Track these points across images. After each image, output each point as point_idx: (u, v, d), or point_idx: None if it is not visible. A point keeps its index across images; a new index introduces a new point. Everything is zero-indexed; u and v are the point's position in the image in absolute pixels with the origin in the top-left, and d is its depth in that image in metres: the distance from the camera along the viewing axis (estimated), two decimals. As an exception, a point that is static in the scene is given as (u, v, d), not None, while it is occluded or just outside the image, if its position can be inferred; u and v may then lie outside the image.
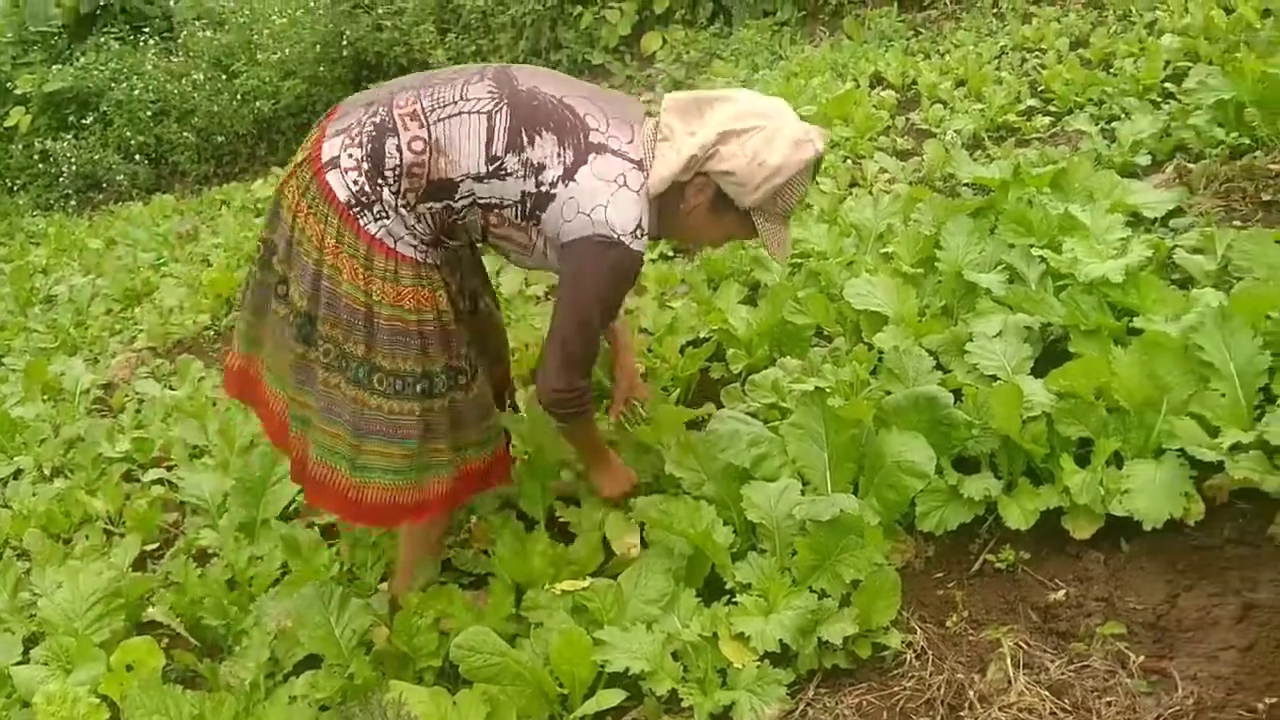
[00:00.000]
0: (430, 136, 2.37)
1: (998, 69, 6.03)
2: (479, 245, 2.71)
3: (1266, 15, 5.15)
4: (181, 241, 8.23)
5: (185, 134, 11.38)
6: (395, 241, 2.42)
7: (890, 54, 6.97)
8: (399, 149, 2.37)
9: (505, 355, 3.05)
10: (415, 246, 2.44)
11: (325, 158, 2.43)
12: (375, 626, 2.69)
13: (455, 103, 2.40)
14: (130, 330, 6.39)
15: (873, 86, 6.47)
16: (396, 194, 2.39)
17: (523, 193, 2.40)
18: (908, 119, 5.73)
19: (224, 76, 11.42)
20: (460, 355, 2.59)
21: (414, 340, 2.48)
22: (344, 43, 10.41)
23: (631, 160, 2.42)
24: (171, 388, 5.11)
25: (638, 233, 2.40)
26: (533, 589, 2.64)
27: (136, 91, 11.62)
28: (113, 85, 11.84)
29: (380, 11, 10.28)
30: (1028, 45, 6.38)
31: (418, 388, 2.52)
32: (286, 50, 10.87)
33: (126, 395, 5.17)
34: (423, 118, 2.39)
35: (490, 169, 2.38)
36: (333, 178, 2.40)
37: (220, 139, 11.37)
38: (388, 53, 10.15)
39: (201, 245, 7.87)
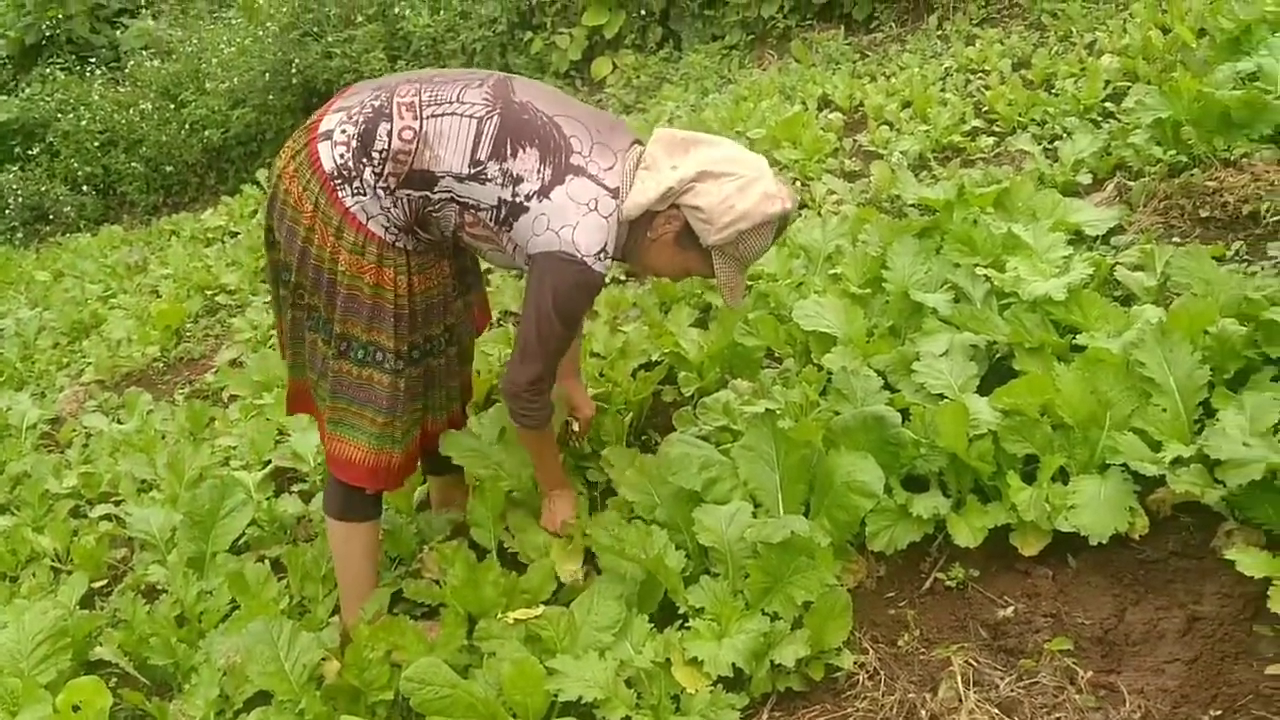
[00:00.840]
0: (421, 129, 2.48)
1: (942, 90, 6.10)
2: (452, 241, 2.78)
3: (1202, 35, 5.25)
4: (130, 273, 8.14)
5: (133, 164, 11.28)
6: (368, 219, 2.54)
7: (837, 77, 7.03)
8: (389, 135, 2.48)
9: (470, 363, 3.10)
10: (386, 228, 2.56)
11: (322, 129, 2.56)
12: (326, 661, 2.66)
13: (451, 103, 2.51)
14: (78, 363, 6.32)
15: (820, 109, 6.52)
16: (378, 175, 2.50)
17: (499, 199, 2.50)
18: (855, 141, 5.78)
19: (172, 106, 11.33)
20: (428, 330, 2.74)
21: (364, 310, 2.61)
22: (293, 70, 10.37)
23: (607, 187, 2.52)
24: (119, 421, 5.04)
25: (601, 255, 2.50)
26: (485, 619, 2.63)
27: (84, 122, 11.50)
28: (59, 116, 11.72)
29: (330, 39, 10.26)
30: (971, 67, 6.46)
31: (359, 353, 2.66)
32: (235, 79, 10.80)
33: (74, 430, 5.10)
34: (418, 110, 2.50)
35: (472, 172, 2.48)
36: (323, 148, 2.54)
37: (169, 169, 11.27)
38: (337, 80, 10.10)
39: (150, 276, 7.79)
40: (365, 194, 2.51)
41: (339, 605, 2.99)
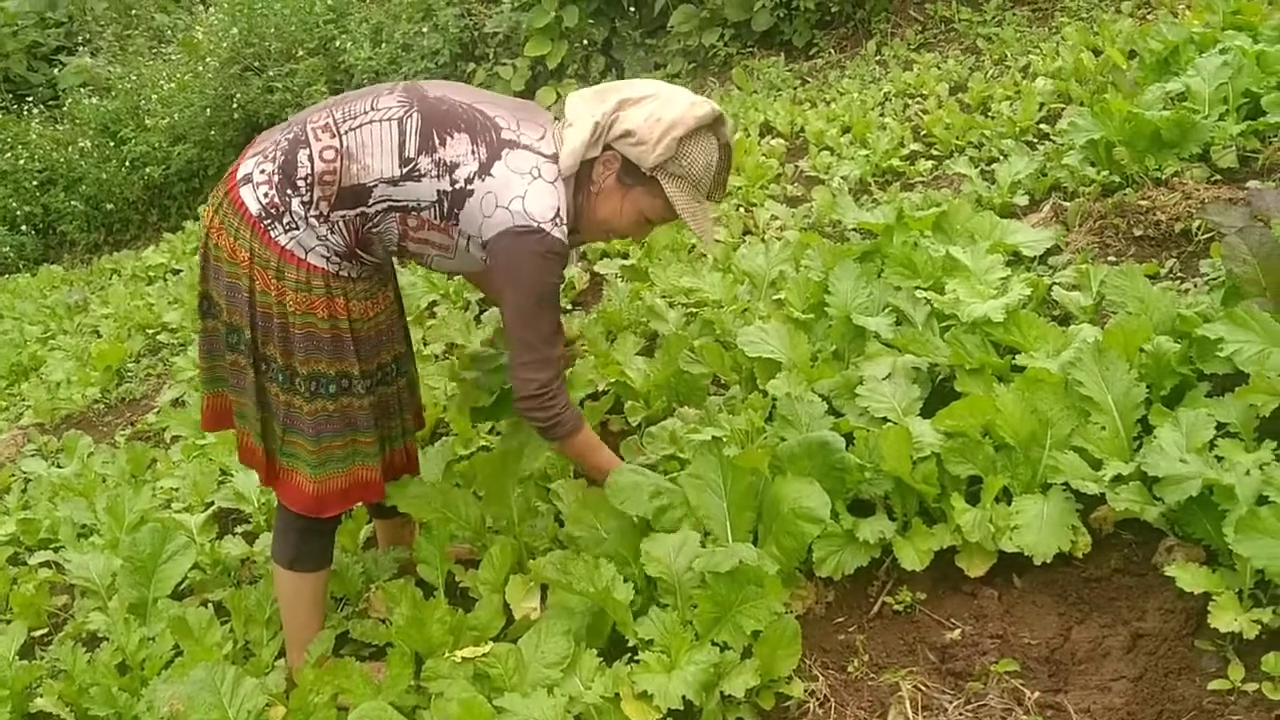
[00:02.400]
0: (342, 145, 2.46)
1: (882, 115, 6.18)
2: (395, 257, 2.74)
3: (1132, 56, 5.36)
4: (70, 313, 8.00)
5: (73, 202, 11.11)
6: (306, 253, 2.49)
7: (778, 103, 7.09)
8: (310, 159, 2.46)
9: (417, 394, 3.05)
10: (327, 258, 2.51)
11: (240, 175, 2.54)
12: (270, 706, 2.61)
13: (366, 113, 2.49)
14: (16, 407, 6.19)
15: (762, 135, 6.57)
16: (308, 204, 2.47)
17: (439, 192, 2.47)
18: (797, 166, 5.83)
19: (112, 143, 11.18)
20: (379, 358, 2.71)
21: (326, 345, 2.56)
22: (235, 105, 10.27)
23: (544, 154, 2.52)
24: (59, 465, 4.95)
25: (557, 220, 2.48)
26: (432, 658, 2.59)
27: (21, 161, 11.31)
28: (-4, 155, 11.53)
29: (271, 73, 10.19)
30: (909, 91, 6.54)
31: (331, 388, 2.60)
32: (176, 115, 10.67)
33: (12, 475, 4.99)
34: (334, 129, 2.48)
35: (404, 171, 2.45)
36: (245, 192, 2.51)
37: (110, 206, 11.10)
38: (279, 114, 10.03)
39: (91, 316, 7.67)
40: (298, 227, 2.48)
41: (284, 649, 2.94)
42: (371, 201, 2.48)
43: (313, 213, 2.47)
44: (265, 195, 2.48)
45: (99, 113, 11.38)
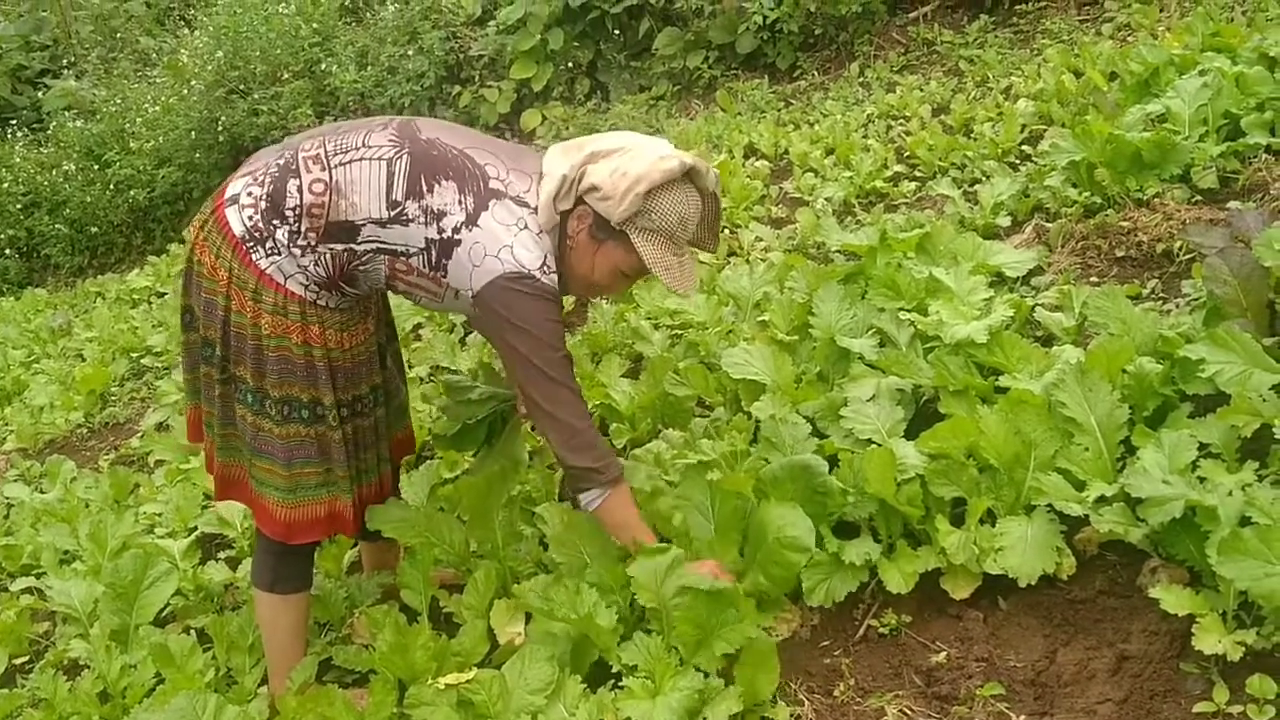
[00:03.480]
0: (331, 179, 2.45)
1: (865, 137, 6.20)
2: (386, 292, 2.74)
3: (1113, 78, 5.40)
4: (54, 337, 7.96)
5: (58, 226, 11.06)
6: (285, 279, 2.49)
7: (763, 125, 7.12)
8: (300, 190, 2.45)
9: (407, 419, 3.05)
10: (305, 286, 2.50)
11: (228, 195, 2.52)
12: (253, 734, 2.59)
13: (357, 148, 2.47)
14: (-1, 432, 6.16)
15: (747, 157, 6.59)
16: (295, 234, 2.45)
17: (427, 239, 2.45)
18: (781, 188, 5.84)
19: (96, 166, 11.14)
20: (356, 389, 2.68)
21: (299, 370, 2.55)
22: (220, 128, 10.27)
23: (530, 206, 2.50)
24: (42, 490, 4.91)
25: (545, 269, 2.46)
26: (416, 684, 2.57)
27: (5, 184, 11.25)
28: (-21, 179, 11.49)
29: (256, 96, 10.19)
30: (892, 113, 6.58)
31: (304, 413, 2.59)
32: (161, 138, 10.66)
33: (-6, 500, 4.96)
34: (325, 161, 2.46)
35: (391, 214, 2.44)
36: (230, 213, 2.49)
37: (94, 229, 11.06)
38: (265, 137, 10.03)
39: (75, 340, 7.63)
40: (279, 254, 2.47)
41: (266, 675, 2.92)
42: (360, 240, 2.46)
43: (299, 242, 2.46)
44: (250, 219, 2.47)
45: (84, 136, 11.35)
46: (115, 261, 11.08)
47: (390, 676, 2.62)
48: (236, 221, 2.48)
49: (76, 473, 4.95)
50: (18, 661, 3.54)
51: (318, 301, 2.53)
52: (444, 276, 2.49)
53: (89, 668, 3.19)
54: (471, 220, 2.44)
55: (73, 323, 8.30)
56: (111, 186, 10.92)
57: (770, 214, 5.49)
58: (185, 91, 10.77)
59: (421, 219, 2.44)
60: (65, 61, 13.52)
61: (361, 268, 2.51)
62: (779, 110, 7.68)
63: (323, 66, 10.13)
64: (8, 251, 11.25)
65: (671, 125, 8.22)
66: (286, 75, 10.26)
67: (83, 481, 4.82)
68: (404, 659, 2.64)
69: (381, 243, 2.47)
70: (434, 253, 2.46)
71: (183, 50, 11.44)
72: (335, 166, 2.46)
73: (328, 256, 2.48)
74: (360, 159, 2.46)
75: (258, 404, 2.58)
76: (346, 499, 2.71)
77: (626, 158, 2.47)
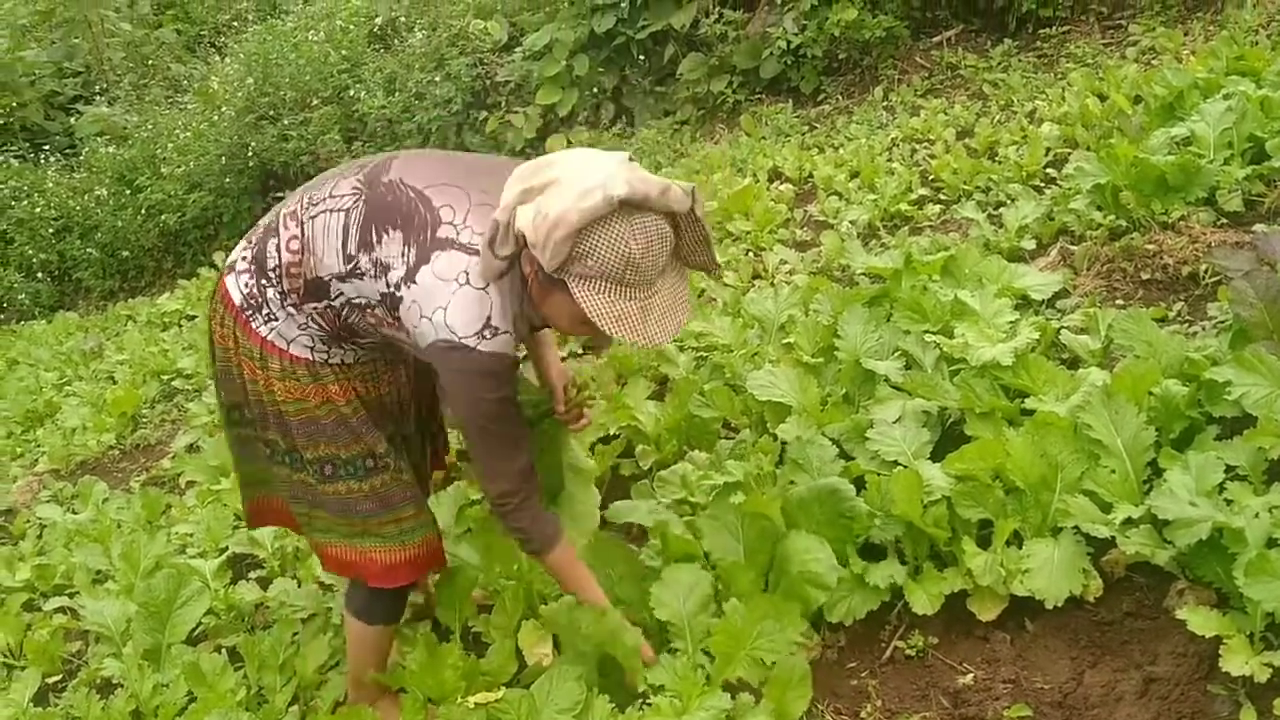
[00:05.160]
0: (304, 235, 2.34)
1: (889, 160, 6.22)
2: None
3: (1138, 102, 5.41)
4: (86, 359, 8.07)
5: (89, 250, 11.22)
6: (288, 343, 2.41)
7: (787, 149, 7.15)
8: (278, 249, 2.36)
9: (444, 432, 3.01)
10: (311, 347, 2.41)
11: (229, 262, 2.48)
12: (284, 752, 2.62)
13: (325, 200, 2.34)
14: (32, 453, 6.23)
15: (771, 181, 6.63)
16: (282, 294, 2.37)
17: (380, 294, 2.27)
18: (805, 211, 5.87)
19: (128, 191, 11.30)
20: (405, 428, 2.65)
21: (328, 428, 2.46)
22: (249, 154, 10.41)
23: (479, 253, 2.21)
24: (74, 511, 4.97)
25: (485, 333, 2.18)
26: (445, 703, 2.60)
27: (38, 209, 11.43)
28: (13, 203, 11.63)
29: (285, 122, 10.32)
30: (917, 136, 6.59)
31: (353, 468, 2.50)
32: (191, 163, 10.81)
33: (28, 521, 5.01)
34: (299, 216, 2.36)
35: (347, 269, 2.29)
36: (230, 281, 2.44)
37: (125, 254, 11.21)
38: (294, 162, 10.16)
39: (106, 363, 7.73)
40: (277, 318, 2.39)
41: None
42: (333, 295, 2.33)
43: (287, 304, 2.38)
44: (246, 286, 2.41)
45: (115, 161, 11.52)
46: (146, 285, 11.22)
47: (420, 695, 2.65)
48: (235, 290, 2.43)
49: (108, 494, 5.01)
50: (51, 680, 3.57)
51: (329, 360, 2.44)
52: (404, 327, 2.29)
53: (122, 686, 3.22)
54: (410, 277, 2.21)
55: (104, 345, 8.40)
56: (143, 211, 11.08)
57: (795, 237, 5.51)
58: (215, 117, 10.93)
59: (372, 272, 2.26)
60: (97, 88, 13.73)
61: (348, 320, 2.38)
62: (803, 134, 7.72)
63: (351, 93, 10.25)
64: (40, 275, 11.40)
65: (696, 149, 8.27)
66: (316, 101, 10.39)
67: (115, 502, 4.88)
68: (435, 678, 2.67)
69: (346, 297, 2.33)
70: (388, 305, 2.28)
71: (213, 77, 11.63)
72: (306, 220, 2.34)
73: (316, 315, 2.38)
74: (324, 210, 2.32)
75: (296, 462, 2.51)
76: (432, 531, 2.65)
77: (550, 195, 2.09)
